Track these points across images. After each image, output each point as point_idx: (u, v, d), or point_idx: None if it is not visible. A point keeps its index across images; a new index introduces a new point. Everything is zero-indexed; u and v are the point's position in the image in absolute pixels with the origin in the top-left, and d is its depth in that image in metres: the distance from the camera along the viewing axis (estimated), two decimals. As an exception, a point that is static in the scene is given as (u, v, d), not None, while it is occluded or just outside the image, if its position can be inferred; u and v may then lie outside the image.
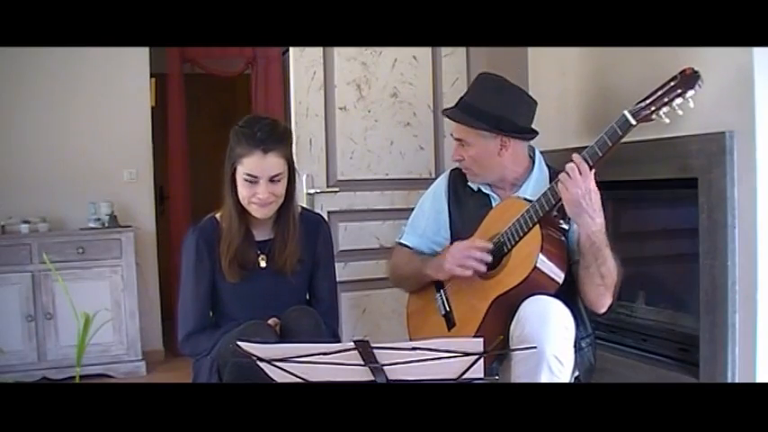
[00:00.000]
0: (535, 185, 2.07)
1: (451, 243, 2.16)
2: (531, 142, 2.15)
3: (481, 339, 1.38)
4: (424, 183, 3.16)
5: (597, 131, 2.43)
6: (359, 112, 3.12)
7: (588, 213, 1.80)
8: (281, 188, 2.00)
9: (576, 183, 1.79)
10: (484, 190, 2.14)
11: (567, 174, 1.81)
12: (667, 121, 1.76)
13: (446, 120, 3.19)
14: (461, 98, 2.14)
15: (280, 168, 1.97)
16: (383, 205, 3.17)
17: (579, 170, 1.80)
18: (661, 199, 2.52)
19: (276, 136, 1.98)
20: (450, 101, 3.28)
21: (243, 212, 2.03)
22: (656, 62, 2.24)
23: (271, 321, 1.98)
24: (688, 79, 1.73)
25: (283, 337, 1.94)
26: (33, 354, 3.64)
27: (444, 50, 3.25)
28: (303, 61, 3.01)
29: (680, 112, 1.75)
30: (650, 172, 2.28)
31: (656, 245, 2.72)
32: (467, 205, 2.16)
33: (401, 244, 2.27)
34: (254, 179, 1.95)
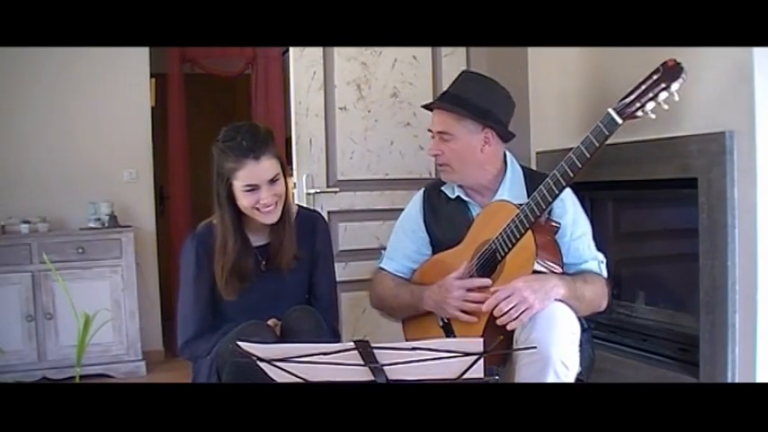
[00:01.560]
0: (511, 187, 2.05)
1: (434, 253, 2.15)
2: (518, 142, 2.14)
3: (481, 339, 1.38)
4: (424, 183, 3.16)
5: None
6: (359, 112, 3.12)
7: (549, 300, 1.80)
8: (281, 187, 1.99)
9: (517, 309, 1.76)
10: (462, 197, 2.10)
11: (501, 308, 1.77)
12: (653, 116, 1.72)
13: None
14: (444, 92, 2.10)
15: (275, 169, 1.97)
16: (383, 205, 3.16)
17: (499, 297, 1.77)
18: (661, 199, 2.52)
19: (261, 139, 1.96)
20: (450, 101, 3.29)
21: (240, 224, 2.02)
22: (657, 62, 2.23)
23: (270, 322, 1.98)
24: (671, 71, 1.69)
25: (284, 337, 1.93)
26: (33, 354, 3.64)
27: (444, 50, 3.25)
28: (303, 61, 3.01)
29: (665, 107, 1.71)
30: (650, 172, 2.28)
31: (656, 245, 2.72)
32: (445, 216, 2.13)
33: (381, 269, 2.23)
34: (255, 187, 1.94)
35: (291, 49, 3.04)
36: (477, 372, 1.40)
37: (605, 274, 2.00)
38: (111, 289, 3.80)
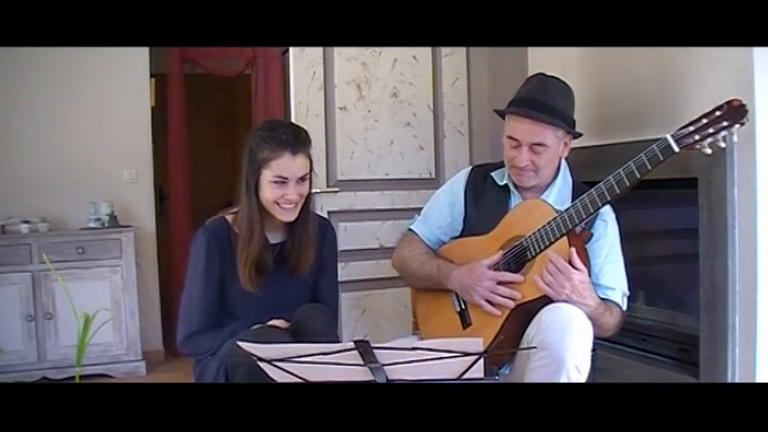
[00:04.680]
0: (558, 192, 2.04)
1: (461, 234, 2.14)
2: None
3: (481, 339, 1.38)
4: (424, 183, 3.18)
5: (597, 131, 2.44)
6: (359, 112, 3.12)
7: (579, 302, 1.80)
8: (306, 188, 2.02)
9: (560, 284, 1.78)
10: (510, 186, 2.08)
11: (549, 272, 1.78)
12: (709, 151, 1.71)
13: (447, 121, 3.22)
14: (524, 97, 2.00)
15: (306, 168, 2.00)
16: (383, 205, 3.17)
17: (558, 267, 1.78)
18: (661, 199, 2.52)
19: (301, 137, 2.00)
20: (450, 101, 3.29)
21: (263, 218, 2.02)
22: (657, 62, 2.24)
23: (279, 322, 1.98)
24: (735, 111, 1.67)
25: (296, 334, 1.93)
26: (33, 354, 3.63)
27: (444, 50, 3.25)
28: (303, 61, 3.02)
29: (722, 145, 1.70)
30: (650, 172, 2.28)
31: (656, 245, 2.72)
32: (485, 200, 2.12)
33: (411, 230, 2.22)
34: (284, 180, 1.96)
35: (291, 49, 3.04)
36: (478, 372, 1.40)
37: (625, 307, 1.99)
38: (111, 289, 3.80)
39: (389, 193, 3.18)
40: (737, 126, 1.67)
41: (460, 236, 2.15)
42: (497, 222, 2.02)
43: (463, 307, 2.03)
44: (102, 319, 2.05)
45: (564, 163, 2.09)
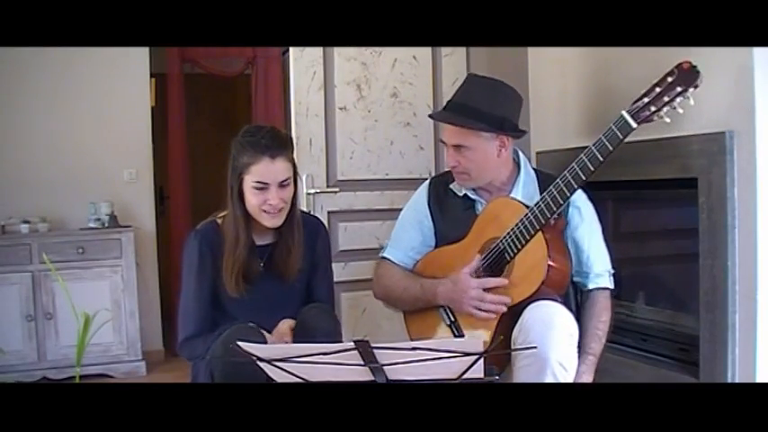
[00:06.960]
0: (524, 188, 2.04)
1: (436, 247, 2.13)
2: (517, 143, 2.12)
3: (481, 340, 1.38)
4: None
5: (597, 131, 2.43)
6: (359, 112, 3.12)
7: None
8: (289, 193, 2.00)
9: None
10: (470, 195, 2.09)
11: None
12: (668, 120, 1.72)
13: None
14: (451, 100, 2.05)
15: (287, 173, 1.98)
16: (383, 205, 3.17)
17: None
18: (661, 199, 2.52)
19: (280, 141, 1.99)
20: (450, 101, 3.29)
21: (248, 223, 2.02)
22: (657, 62, 2.23)
23: (285, 325, 1.99)
24: (687, 75, 1.66)
25: (299, 334, 1.94)
26: (33, 354, 3.64)
27: (444, 50, 3.25)
28: (303, 61, 3.01)
29: (680, 111, 1.69)
30: (650, 172, 2.28)
31: (656, 245, 2.72)
32: (451, 210, 2.12)
33: (384, 258, 2.21)
34: (265, 186, 1.95)
35: (291, 49, 3.04)
36: (477, 372, 1.40)
37: (613, 285, 2.00)
38: (111, 289, 3.80)
39: (389, 193, 3.17)
40: (692, 90, 1.65)
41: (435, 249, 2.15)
42: (470, 228, 2.02)
43: (453, 319, 2.02)
44: (102, 319, 2.05)
45: (524, 158, 2.10)
